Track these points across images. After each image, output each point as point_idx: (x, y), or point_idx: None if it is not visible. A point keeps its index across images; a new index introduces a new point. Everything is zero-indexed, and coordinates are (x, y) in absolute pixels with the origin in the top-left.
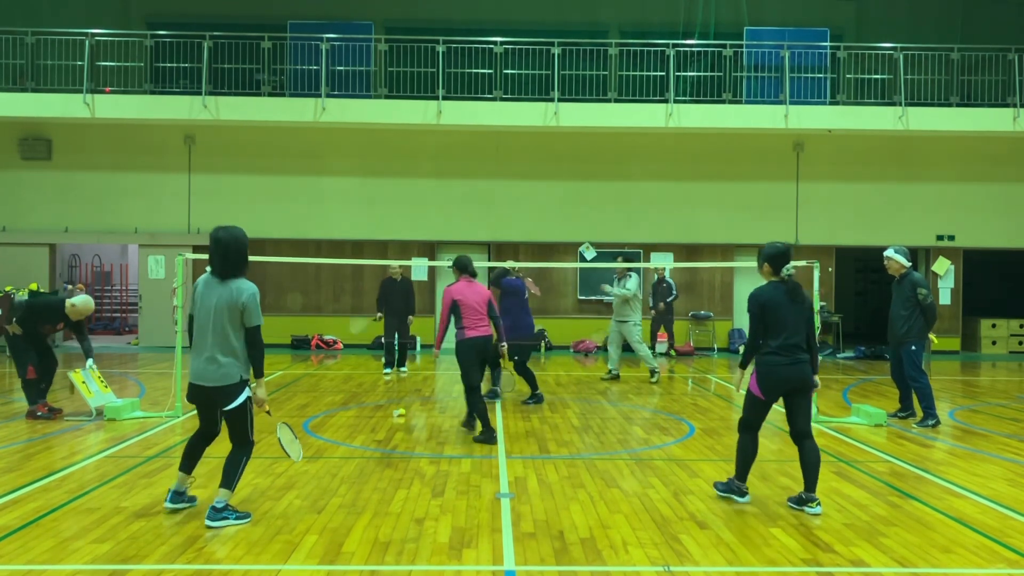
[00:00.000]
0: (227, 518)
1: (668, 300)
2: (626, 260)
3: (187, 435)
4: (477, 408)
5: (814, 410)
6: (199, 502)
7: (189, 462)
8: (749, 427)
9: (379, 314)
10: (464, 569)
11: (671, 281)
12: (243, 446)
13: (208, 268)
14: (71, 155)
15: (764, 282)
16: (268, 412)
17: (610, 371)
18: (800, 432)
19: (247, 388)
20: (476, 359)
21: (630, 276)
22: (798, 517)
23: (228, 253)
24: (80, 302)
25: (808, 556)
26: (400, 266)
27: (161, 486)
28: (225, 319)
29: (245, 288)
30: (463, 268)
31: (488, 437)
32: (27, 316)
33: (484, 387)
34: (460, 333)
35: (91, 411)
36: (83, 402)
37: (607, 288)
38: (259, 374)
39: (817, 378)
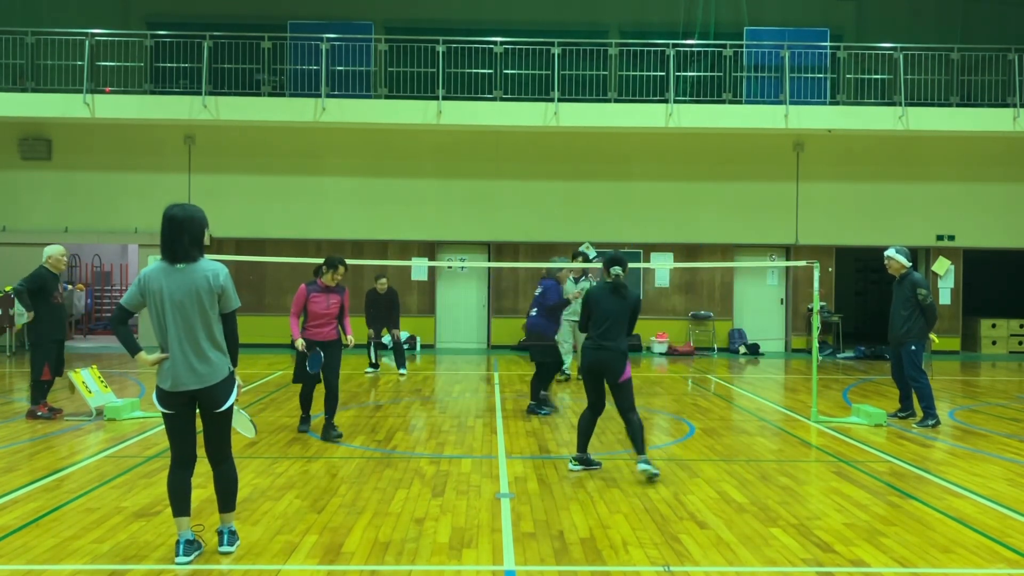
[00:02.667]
0: (237, 541)
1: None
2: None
3: None
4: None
5: (814, 410)
6: (194, 507)
7: (185, 503)
8: (589, 403)
9: (371, 331)
10: (464, 569)
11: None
12: (227, 460)
13: (162, 255)
14: (71, 155)
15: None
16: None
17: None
18: (621, 408)
19: (235, 385)
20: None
21: (586, 277)
22: (798, 517)
23: (190, 231)
24: (52, 251)
25: (808, 556)
26: (386, 280)
27: (161, 486)
28: (205, 307)
29: (219, 269)
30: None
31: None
32: (36, 293)
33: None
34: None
35: (91, 411)
36: (83, 402)
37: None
38: (235, 363)
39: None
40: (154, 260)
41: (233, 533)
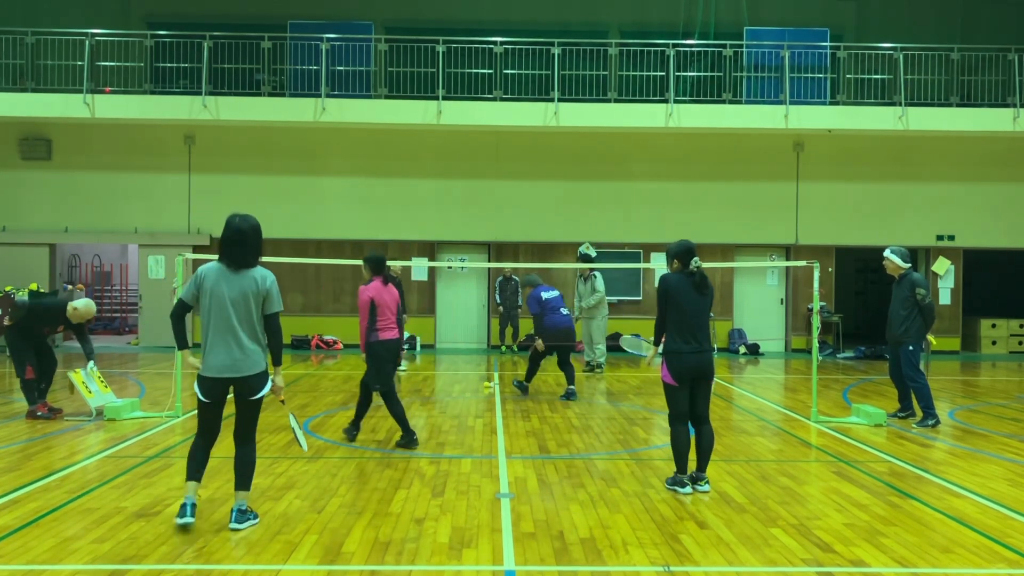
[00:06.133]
0: (250, 519)
1: (516, 298)
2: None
3: (187, 435)
4: (396, 412)
5: (814, 410)
6: (199, 503)
7: (197, 469)
8: (679, 418)
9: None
10: (464, 569)
11: (517, 279)
12: (250, 443)
13: (219, 258)
14: (71, 155)
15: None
16: (283, 401)
17: (598, 362)
18: (700, 416)
19: (269, 378)
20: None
21: (596, 276)
22: (798, 517)
23: (249, 241)
24: (82, 305)
25: (808, 556)
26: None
27: (161, 486)
28: (251, 308)
29: (268, 275)
30: (378, 268)
31: (409, 440)
32: (26, 317)
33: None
34: (374, 335)
35: (91, 411)
36: (83, 402)
37: (582, 291)
38: (279, 362)
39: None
40: (154, 261)
41: (243, 512)
